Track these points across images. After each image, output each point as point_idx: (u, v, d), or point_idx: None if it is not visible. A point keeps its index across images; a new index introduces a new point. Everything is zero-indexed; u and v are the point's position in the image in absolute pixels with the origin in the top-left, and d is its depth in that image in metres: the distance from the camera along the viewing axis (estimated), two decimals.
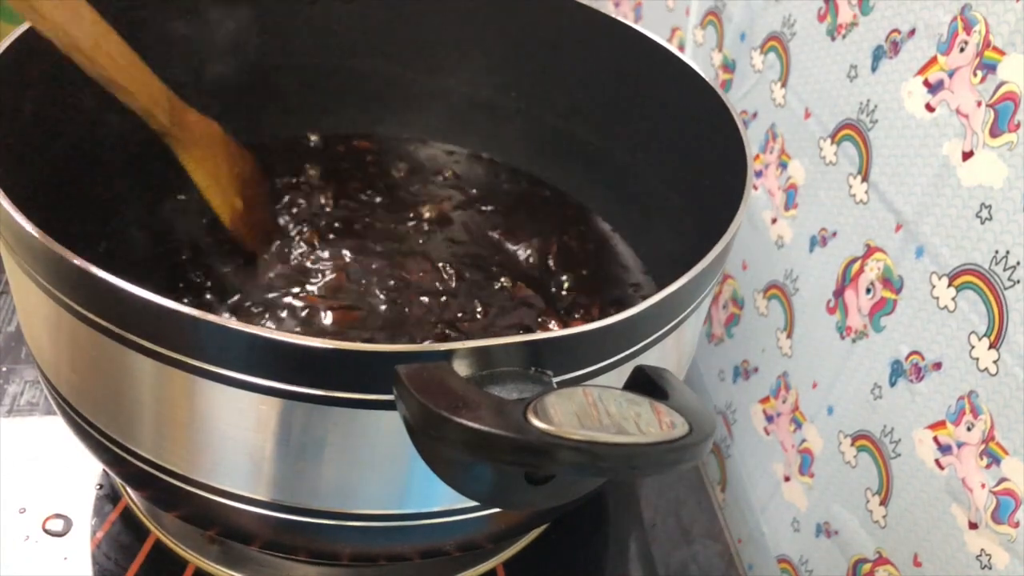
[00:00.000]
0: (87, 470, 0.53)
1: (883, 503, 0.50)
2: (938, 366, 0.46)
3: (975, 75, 0.44)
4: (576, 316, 0.54)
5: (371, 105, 0.65)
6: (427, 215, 0.59)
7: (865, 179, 0.52)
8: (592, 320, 0.42)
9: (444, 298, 0.52)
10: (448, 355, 0.34)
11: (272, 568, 0.49)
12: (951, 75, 0.46)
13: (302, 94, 0.63)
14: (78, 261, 0.35)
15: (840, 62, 0.53)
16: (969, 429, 0.44)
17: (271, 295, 0.51)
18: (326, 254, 0.54)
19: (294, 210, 0.58)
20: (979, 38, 0.44)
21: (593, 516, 0.57)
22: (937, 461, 0.46)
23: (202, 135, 0.52)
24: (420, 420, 0.31)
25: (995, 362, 0.43)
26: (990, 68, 0.43)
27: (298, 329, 0.49)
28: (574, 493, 0.39)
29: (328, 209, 0.58)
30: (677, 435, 0.31)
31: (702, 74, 0.52)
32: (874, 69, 0.51)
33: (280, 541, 0.42)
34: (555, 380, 0.36)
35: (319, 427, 0.36)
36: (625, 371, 0.38)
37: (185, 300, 0.48)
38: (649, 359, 0.40)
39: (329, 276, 0.52)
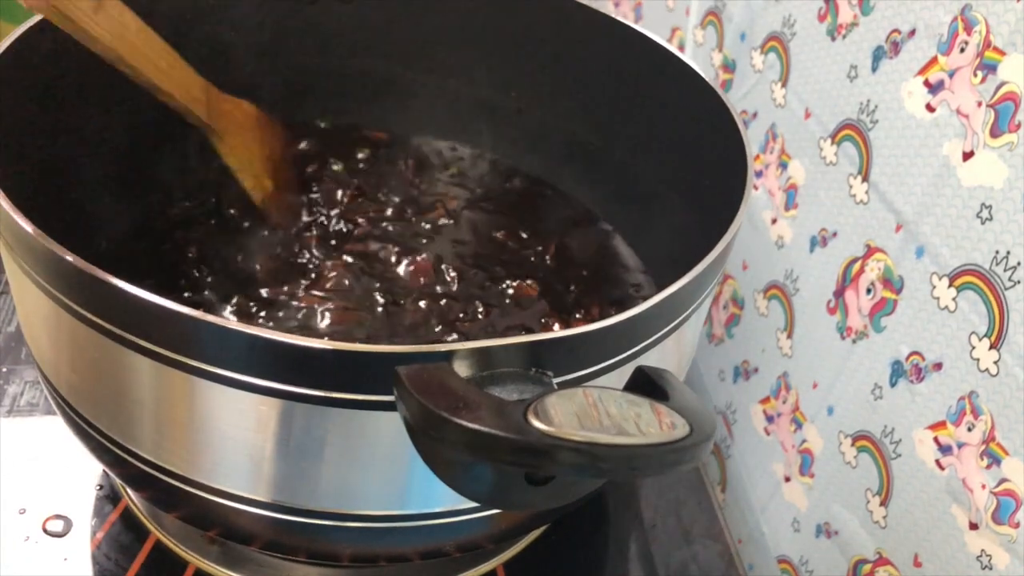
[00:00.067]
0: (87, 471, 0.53)
1: (883, 503, 0.50)
2: (938, 366, 0.46)
3: (975, 75, 0.44)
4: (576, 316, 0.54)
5: (371, 105, 0.65)
6: (427, 215, 0.59)
7: (865, 179, 0.52)
8: (592, 321, 0.42)
9: (444, 300, 0.52)
10: (448, 356, 0.34)
11: (272, 569, 0.49)
12: (951, 75, 0.45)
13: (302, 94, 0.63)
14: (78, 261, 0.35)
15: (840, 62, 0.53)
16: (970, 429, 0.44)
17: (271, 295, 0.51)
18: (326, 255, 0.54)
19: None
20: (979, 38, 0.44)
21: (593, 516, 0.57)
22: (937, 461, 0.46)
23: (237, 122, 0.52)
24: (420, 421, 0.31)
25: (996, 362, 0.43)
26: (990, 68, 0.43)
27: (298, 330, 0.49)
28: (574, 494, 0.39)
29: (328, 209, 0.58)
30: (677, 436, 0.31)
31: (702, 74, 0.52)
32: (874, 69, 0.51)
33: (280, 542, 0.42)
34: (555, 381, 0.36)
35: (319, 428, 0.36)
36: (626, 372, 0.38)
37: (185, 300, 0.48)
38: (649, 360, 0.40)
39: (329, 276, 0.52)
